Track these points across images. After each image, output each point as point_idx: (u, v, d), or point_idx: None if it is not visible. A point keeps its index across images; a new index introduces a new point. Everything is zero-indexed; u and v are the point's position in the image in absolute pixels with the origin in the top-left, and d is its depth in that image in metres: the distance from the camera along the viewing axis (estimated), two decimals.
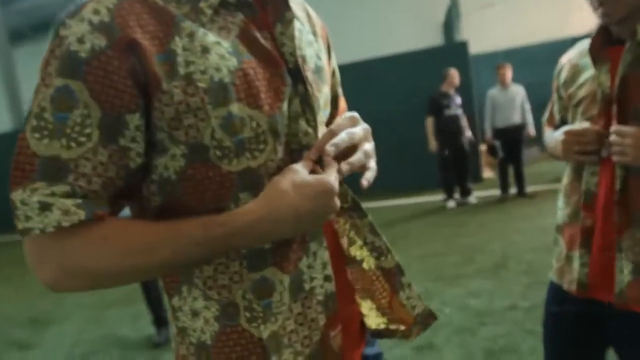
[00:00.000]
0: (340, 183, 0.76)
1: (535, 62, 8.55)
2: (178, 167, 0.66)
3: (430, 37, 9.73)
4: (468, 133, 6.41)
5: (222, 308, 0.70)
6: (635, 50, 1.11)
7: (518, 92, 6.26)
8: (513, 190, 6.41)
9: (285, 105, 0.70)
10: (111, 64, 0.61)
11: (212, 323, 0.71)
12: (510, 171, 6.29)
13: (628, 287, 1.15)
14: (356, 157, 0.74)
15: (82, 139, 0.61)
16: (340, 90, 0.92)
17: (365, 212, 0.80)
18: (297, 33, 0.74)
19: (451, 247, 4.59)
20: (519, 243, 4.40)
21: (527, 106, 6.24)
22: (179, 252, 0.64)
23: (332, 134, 0.73)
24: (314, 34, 0.82)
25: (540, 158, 8.38)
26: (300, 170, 0.68)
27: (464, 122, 6.36)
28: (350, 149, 0.75)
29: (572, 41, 8.41)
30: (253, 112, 0.67)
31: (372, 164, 0.78)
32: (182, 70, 0.64)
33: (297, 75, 0.72)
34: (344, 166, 0.72)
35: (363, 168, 0.76)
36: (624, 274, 1.15)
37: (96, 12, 0.63)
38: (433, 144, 6.35)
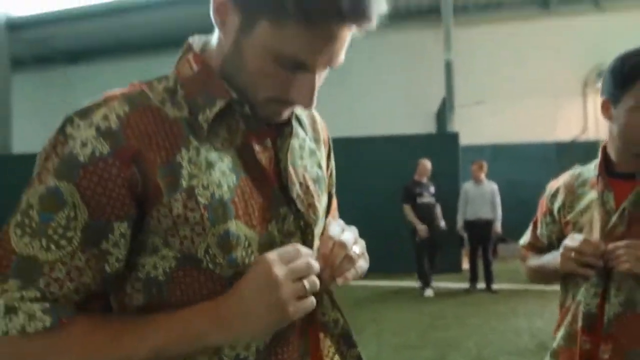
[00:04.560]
0: (332, 303, 0.76)
1: (520, 161, 8.72)
2: (168, 268, 0.66)
3: (423, 125, 9.97)
4: (442, 223, 6.45)
5: None
6: None
7: (491, 188, 6.41)
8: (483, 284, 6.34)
9: (273, 225, 0.70)
10: (108, 171, 0.62)
11: None
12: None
13: None
14: (351, 274, 0.73)
15: (63, 242, 0.62)
16: (334, 190, 0.93)
17: (355, 343, 0.78)
18: (296, 146, 0.77)
19: (426, 340, 4.43)
20: (493, 343, 4.26)
21: (498, 202, 6.34)
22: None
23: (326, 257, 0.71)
24: (317, 140, 0.84)
25: (519, 255, 8.33)
26: (261, 262, 0.65)
27: (437, 210, 6.42)
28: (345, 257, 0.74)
29: (557, 146, 8.77)
30: (248, 231, 0.67)
31: (361, 263, 0.76)
32: (185, 183, 0.65)
33: (288, 194, 0.73)
34: (339, 280, 0.71)
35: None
36: None
37: (105, 118, 0.64)
38: (421, 227, 6.22)
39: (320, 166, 0.81)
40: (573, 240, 1.18)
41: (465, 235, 6.47)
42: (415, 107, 10.33)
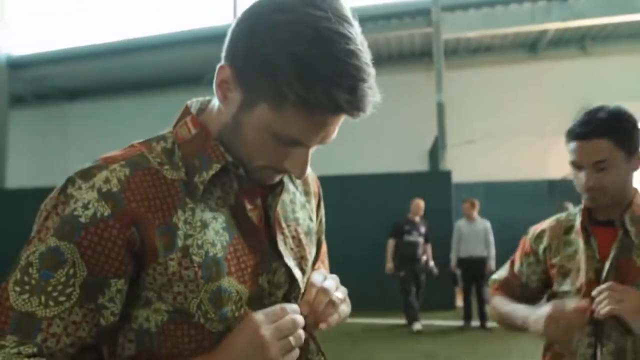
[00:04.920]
0: (318, 348, 0.81)
1: (512, 198, 8.79)
2: (160, 321, 0.69)
3: (416, 163, 10.10)
4: (430, 262, 6.54)
5: None
6: (624, 240, 1.21)
7: (484, 225, 6.47)
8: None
9: (264, 278, 0.74)
10: (109, 232, 0.65)
11: None
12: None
13: None
14: (334, 319, 0.78)
15: (62, 298, 0.64)
16: (323, 237, 0.97)
17: None
18: (287, 200, 0.81)
19: None
20: None
21: (491, 240, 6.40)
22: None
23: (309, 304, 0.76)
24: (307, 193, 0.89)
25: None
26: (247, 323, 0.69)
27: (423, 249, 6.50)
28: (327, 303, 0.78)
29: (548, 183, 8.88)
30: (240, 286, 0.71)
31: (343, 307, 0.81)
32: (180, 243, 0.68)
33: (278, 250, 0.76)
34: (323, 325, 0.76)
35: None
36: None
37: (107, 181, 0.67)
38: (390, 266, 6.49)
39: (311, 218, 0.86)
40: (562, 307, 1.17)
41: (458, 273, 6.50)
42: (408, 145, 10.48)
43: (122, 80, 11.26)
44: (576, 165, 1.23)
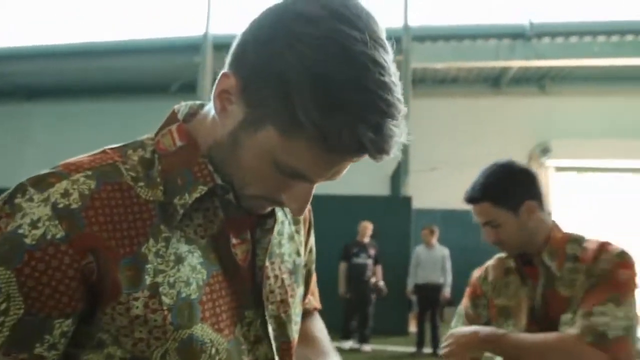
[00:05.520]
0: None
1: (469, 227, 8.90)
2: None
3: (377, 187, 10.20)
4: (380, 282, 6.59)
5: None
6: (547, 275, 1.28)
7: (442, 252, 6.55)
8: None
9: (239, 330, 0.63)
10: (59, 259, 0.53)
11: None
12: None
13: None
14: None
15: None
16: (313, 267, 0.87)
17: None
18: (275, 233, 0.69)
19: None
20: None
21: (448, 267, 6.47)
22: None
23: None
24: (297, 222, 0.78)
25: None
26: None
27: (372, 271, 6.55)
28: None
29: None
30: (215, 335, 0.60)
31: None
32: (148, 279, 0.57)
33: (260, 296, 0.66)
34: None
35: None
36: None
37: (66, 194, 0.55)
38: (342, 289, 6.54)
39: (298, 253, 0.75)
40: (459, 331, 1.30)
41: (414, 298, 6.55)
42: (371, 169, 10.59)
43: (87, 83, 10.97)
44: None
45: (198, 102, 0.69)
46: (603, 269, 1.21)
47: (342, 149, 0.55)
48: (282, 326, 0.69)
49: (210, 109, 0.64)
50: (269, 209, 0.66)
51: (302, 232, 0.78)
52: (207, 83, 8.77)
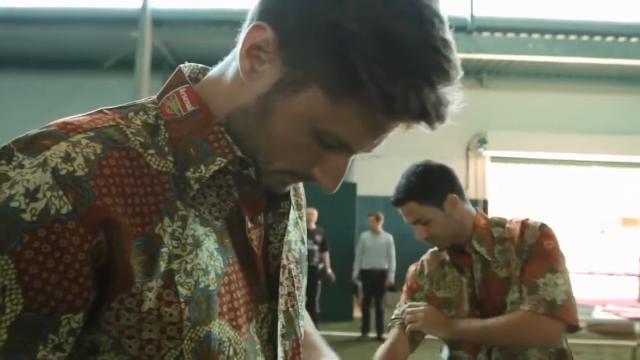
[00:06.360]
0: None
1: None
2: None
3: None
4: (328, 270, 6.59)
5: None
6: (480, 260, 1.35)
7: (387, 239, 6.68)
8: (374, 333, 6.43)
9: (254, 327, 0.55)
10: (67, 239, 0.43)
11: None
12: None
13: None
14: None
15: None
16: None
17: None
18: (289, 228, 0.61)
19: None
20: None
21: (392, 254, 6.61)
22: None
23: None
24: (299, 206, 0.71)
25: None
26: None
27: (318, 258, 6.55)
28: None
29: None
30: (233, 333, 0.51)
31: None
32: (163, 266, 0.47)
33: (274, 287, 0.58)
34: None
35: None
36: None
37: (68, 158, 0.44)
38: None
39: (303, 241, 0.68)
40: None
41: (359, 284, 6.64)
42: None
43: (13, 54, 9.98)
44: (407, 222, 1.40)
45: (200, 65, 0.61)
46: (530, 243, 1.30)
47: (406, 114, 0.50)
48: (290, 322, 0.61)
49: (223, 71, 0.57)
50: (289, 188, 0.59)
51: (304, 218, 0.72)
52: (145, 60, 8.32)
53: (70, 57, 9.80)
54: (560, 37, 9.25)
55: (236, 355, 0.51)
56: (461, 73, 0.52)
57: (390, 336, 1.45)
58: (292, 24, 0.50)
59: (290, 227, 0.63)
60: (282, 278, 0.60)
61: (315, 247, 6.54)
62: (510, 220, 1.38)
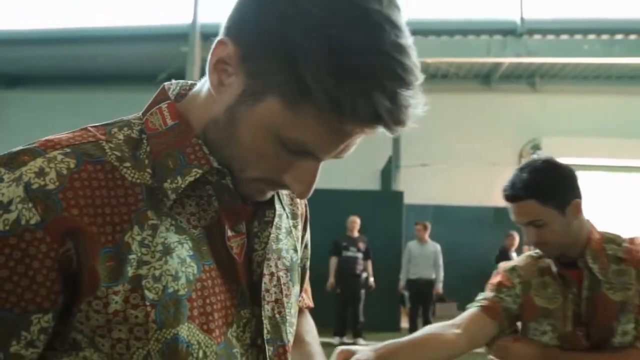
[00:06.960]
0: None
1: (458, 222, 8.98)
2: None
3: (367, 181, 10.14)
4: (370, 279, 6.55)
5: None
6: (591, 277, 1.22)
7: (434, 248, 6.57)
8: None
9: (233, 331, 0.58)
10: (36, 246, 0.48)
11: None
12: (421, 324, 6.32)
13: None
14: None
15: None
16: (307, 264, 0.84)
17: None
18: (272, 235, 0.64)
19: None
20: None
21: (440, 263, 6.49)
22: None
23: None
24: (294, 215, 0.74)
25: (458, 315, 8.42)
26: None
27: (362, 266, 6.51)
28: None
29: (494, 211, 9.13)
30: (203, 337, 0.55)
31: None
32: (130, 271, 0.51)
33: (257, 294, 0.61)
34: None
35: None
36: None
37: (41, 173, 0.49)
38: (331, 281, 6.48)
39: (295, 249, 0.70)
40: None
41: (406, 294, 6.58)
42: (361, 164, 10.52)
43: (70, 71, 10.62)
44: (516, 222, 1.27)
45: (190, 81, 0.65)
46: None
47: (356, 119, 0.51)
48: (276, 328, 0.63)
49: (202, 86, 0.60)
50: (269, 196, 0.62)
51: (300, 226, 0.74)
52: (195, 73, 8.57)
53: (125, 72, 10.30)
54: (619, 36, 8.82)
55: (206, 358, 0.54)
56: (421, 77, 0.52)
57: (462, 314, 1.33)
58: (250, 38, 0.53)
59: (282, 236, 0.67)
60: (269, 285, 0.62)
61: (359, 255, 6.51)
62: (625, 239, 1.26)
